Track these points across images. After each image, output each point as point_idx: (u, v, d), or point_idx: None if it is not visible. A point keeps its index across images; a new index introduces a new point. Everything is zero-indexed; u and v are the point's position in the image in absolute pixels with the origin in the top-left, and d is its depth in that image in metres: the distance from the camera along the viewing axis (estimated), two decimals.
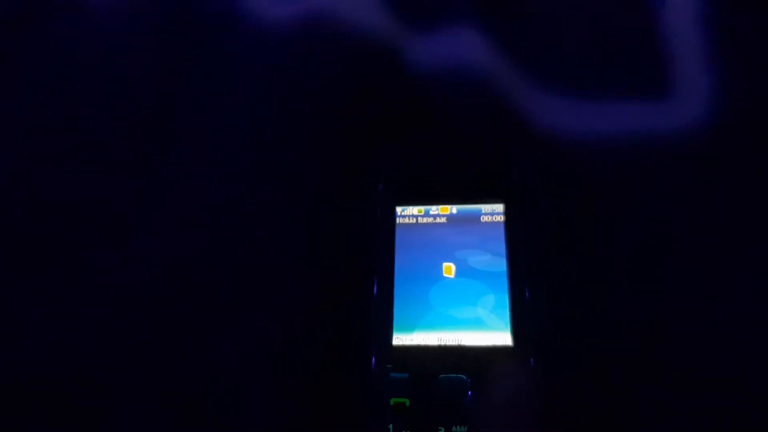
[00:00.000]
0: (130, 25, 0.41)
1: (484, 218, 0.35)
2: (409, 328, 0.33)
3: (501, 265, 0.33)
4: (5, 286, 0.35)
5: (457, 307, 0.33)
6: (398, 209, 0.36)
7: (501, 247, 0.34)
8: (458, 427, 0.30)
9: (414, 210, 0.36)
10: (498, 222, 0.34)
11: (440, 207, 0.35)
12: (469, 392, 0.31)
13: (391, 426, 0.31)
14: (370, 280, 0.34)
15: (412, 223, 0.35)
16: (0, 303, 0.35)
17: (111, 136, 0.38)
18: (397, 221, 0.35)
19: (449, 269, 0.34)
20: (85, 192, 0.37)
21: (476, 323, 0.32)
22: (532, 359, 0.31)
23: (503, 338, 0.32)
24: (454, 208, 0.35)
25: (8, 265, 0.36)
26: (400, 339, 0.33)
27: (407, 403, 0.31)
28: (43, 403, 0.33)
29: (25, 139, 0.39)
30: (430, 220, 0.35)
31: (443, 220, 0.35)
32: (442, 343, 0.32)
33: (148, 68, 0.40)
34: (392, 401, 0.31)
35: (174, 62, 0.40)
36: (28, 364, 0.34)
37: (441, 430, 0.30)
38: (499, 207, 0.35)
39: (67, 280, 0.35)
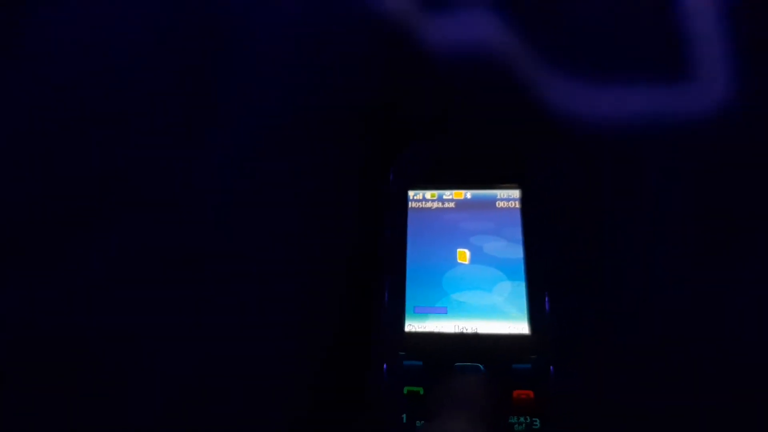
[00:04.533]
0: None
1: (500, 204, 0.34)
2: (423, 314, 0.32)
3: (517, 251, 0.32)
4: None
5: (472, 294, 0.32)
6: (410, 193, 0.35)
7: (517, 233, 0.33)
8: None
9: (427, 194, 0.35)
10: (514, 208, 0.33)
11: (454, 191, 0.34)
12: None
13: (404, 415, 0.30)
14: (380, 264, 0.33)
15: (424, 208, 0.34)
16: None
17: (139, 121, 0.37)
18: (409, 205, 0.34)
19: (464, 255, 0.33)
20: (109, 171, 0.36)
21: (492, 311, 0.31)
22: (552, 367, 0.30)
23: (520, 327, 0.31)
24: (468, 193, 0.34)
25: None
26: (412, 326, 0.32)
27: (421, 392, 0.30)
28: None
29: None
30: (444, 204, 0.34)
31: (457, 205, 0.34)
32: (457, 330, 0.31)
33: (179, 50, 0.39)
34: (406, 390, 0.30)
35: (200, 49, 0.39)
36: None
37: None
38: (516, 192, 0.34)
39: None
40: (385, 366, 0.31)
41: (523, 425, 0.29)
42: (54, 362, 0.32)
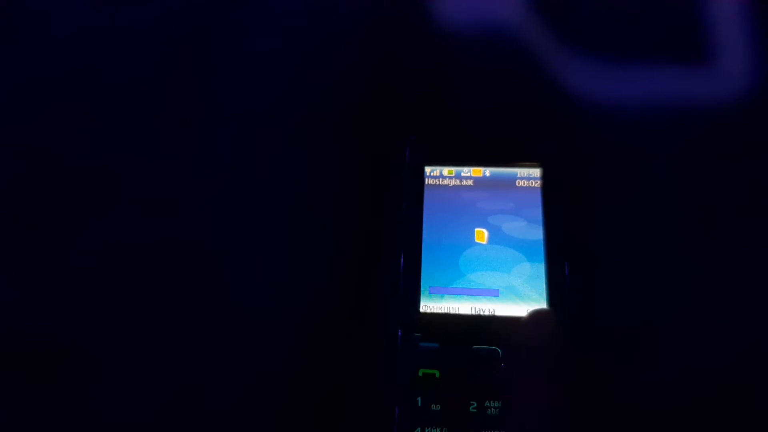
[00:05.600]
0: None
1: (520, 182, 0.33)
2: (439, 294, 0.31)
3: (537, 232, 0.32)
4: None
5: (490, 275, 0.31)
6: (427, 169, 0.33)
7: (537, 213, 0.32)
8: (491, 401, 0.29)
9: (444, 170, 0.33)
10: (534, 187, 0.32)
11: (472, 169, 0.33)
12: (502, 365, 0.29)
13: (419, 398, 0.29)
14: (395, 241, 0.32)
15: (441, 185, 0.33)
16: None
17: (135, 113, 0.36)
18: (426, 182, 0.33)
19: (481, 235, 0.32)
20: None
21: (510, 292, 0.31)
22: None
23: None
24: (487, 171, 0.33)
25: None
26: (428, 307, 0.31)
27: (437, 375, 0.29)
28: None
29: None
30: (461, 182, 0.33)
31: (475, 183, 0.33)
32: (474, 312, 0.30)
33: (174, 49, 0.38)
34: (421, 372, 0.29)
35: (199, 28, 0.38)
36: None
37: (473, 404, 0.29)
38: (536, 171, 0.33)
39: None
40: (399, 346, 0.30)
41: None
42: (48, 361, 0.31)
